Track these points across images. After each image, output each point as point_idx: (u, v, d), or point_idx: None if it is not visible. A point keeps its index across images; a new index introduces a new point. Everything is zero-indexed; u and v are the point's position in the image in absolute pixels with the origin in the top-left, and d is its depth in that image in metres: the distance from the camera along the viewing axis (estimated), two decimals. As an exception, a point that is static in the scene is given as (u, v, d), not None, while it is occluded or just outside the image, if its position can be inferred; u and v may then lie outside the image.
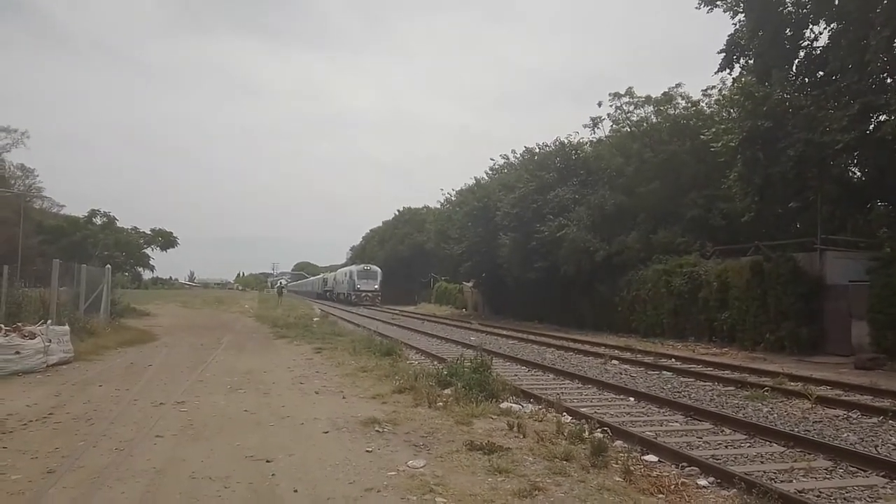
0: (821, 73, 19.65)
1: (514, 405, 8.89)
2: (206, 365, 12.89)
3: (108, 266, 22.36)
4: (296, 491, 5.12)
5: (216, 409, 8.42)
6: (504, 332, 25.49)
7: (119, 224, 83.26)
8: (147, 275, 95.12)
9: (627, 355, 16.98)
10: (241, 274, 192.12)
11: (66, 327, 13.28)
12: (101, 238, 76.10)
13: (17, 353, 11.22)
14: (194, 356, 14.43)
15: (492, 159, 41.74)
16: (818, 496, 5.72)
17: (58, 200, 77.54)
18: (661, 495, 5.35)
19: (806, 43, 20.12)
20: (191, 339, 18.75)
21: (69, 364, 12.41)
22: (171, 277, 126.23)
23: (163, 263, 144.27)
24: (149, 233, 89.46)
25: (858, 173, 20.34)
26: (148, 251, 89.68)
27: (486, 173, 41.10)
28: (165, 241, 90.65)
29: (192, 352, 15.45)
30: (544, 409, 8.76)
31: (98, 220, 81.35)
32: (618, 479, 5.65)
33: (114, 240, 78.63)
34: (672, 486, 5.58)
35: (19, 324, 12.65)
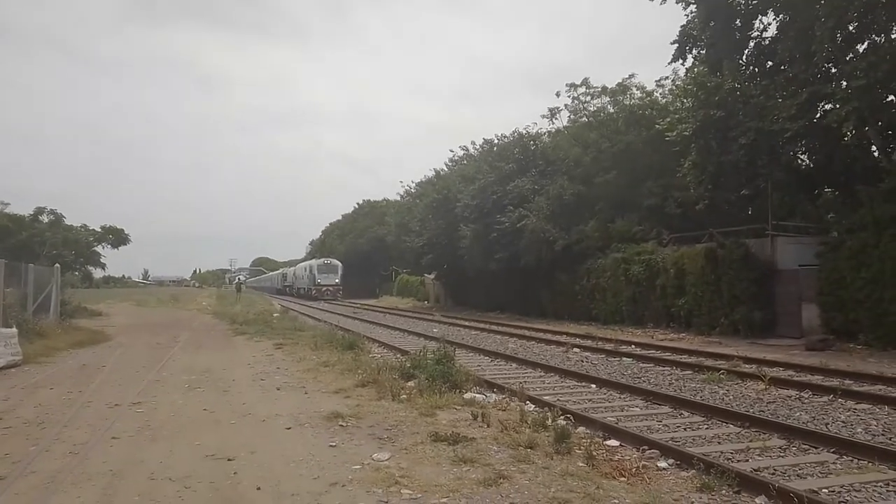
0: (770, 63, 20.18)
1: (477, 395, 8.92)
2: (163, 364, 12.58)
3: (57, 265, 21.56)
4: (259, 489, 5.04)
5: (174, 408, 8.23)
6: (467, 323, 25.60)
7: (67, 222, 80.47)
8: (98, 273, 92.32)
9: (588, 343, 17.24)
10: (198, 271, 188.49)
11: (14, 329, 12.79)
12: (49, 236, 73.41)
13: (-39, 357, 10.75)
14: (150, 355, 14.07)
15: (451, 151, 41.84)
16: (773, 474, 5.90)
17: (1, 198, 74.58)
18: (622, 478, 5.44)
19: (755, 34, 20.64)
20: (146, 339, 18.27)
21: (18, 367, 11.96)
22: (124, 276, 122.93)
23: (115, 262, 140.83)
24: (99, 230, 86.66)
25: (807, 160, 21.01)
26: (98, 249, 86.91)
27: (446, 165, 41.17)
28: (117, 238, 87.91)
29: (147, 351, 15.06)
30: (508, 399, 8.84)
31: (45, 218, 78.40)
32: (581, 464, 5.73)
33: (62, 238, 75.89)
34: (633, 469, 5.68)
35: (-37, 327, 12.13)
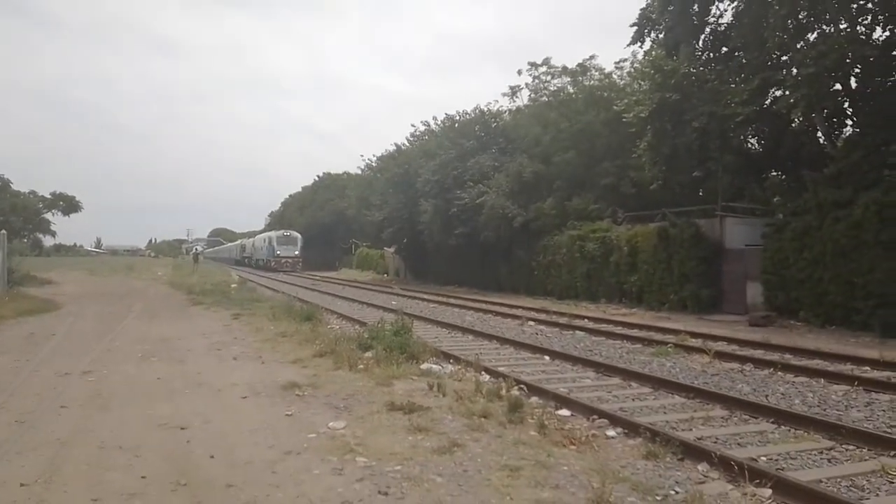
0: (725, 48, 20.56)
1: (434, 366, 9.03)
2: (116, 333, 12.33)
3: (3, 232, 20.76)
4: (212, 457, 5.04)
5: (126, 377, 8.12)
6: (425, 297, 25.72)
7: (14, 187, 77.19)
8: (49, 241, 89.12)
9: (543, 317, 17.53)
10: (154, 241, 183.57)
11: (-45, 297, 12.34)
12: (-6, 202, 70.44)
13: None
14: (102, 325, 13.76)
15: (413, 125, 41.45)
16: (715, 442, 6.17)
17: (-59, 161, 70.96)
18: (572, 447, 5.62)
19: (712, 19, 20.96)
20: (98, 308, 17.82)
21: (-40, 336, 11.58)
22: (75, 244, 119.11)
23: (66, 230, 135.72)
24: (49, 197, 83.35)
25: (756, 145, 21.57)
26: (48, 216, 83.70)
27: (408, 140, 40.83)
28: (68, 205, 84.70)
29: (99, 320, 14.72)
30: (463, 369, 8.97)
31: (-11, 183, 75.09)
32: (533, 433, 5.88)
33: (9, 204, 72.82)
34: (583, 438, 5.86)
35: None
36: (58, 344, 10.95)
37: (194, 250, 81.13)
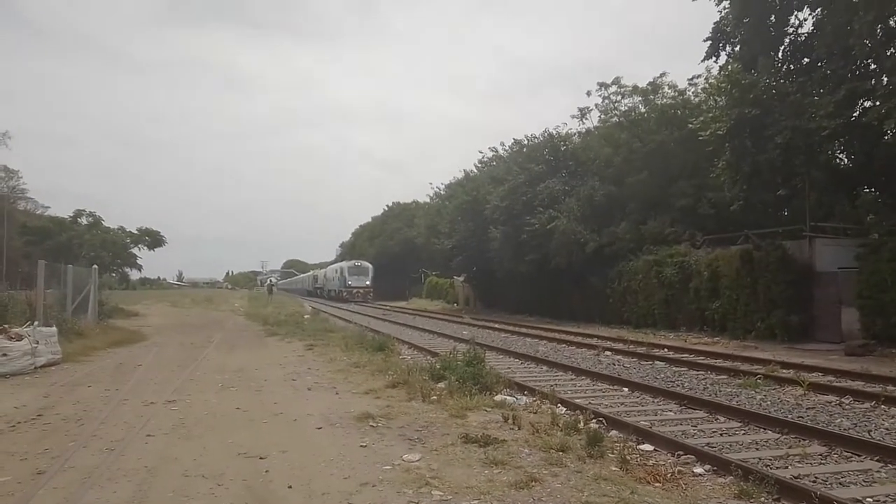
0: (806, 59, 19.75)
1: (508, 397, 8.87)
2: (197, 363, 12.77)
3: (95, 266, 22.11)
4: (290, 487, 5.06)
5: (208, 407, 8.33)
6: (496, 326, 25.51)
7: (105, 224, 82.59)
8: (135, 275, 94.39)
9: (620, 346, 17.02)
10: (231, 273, 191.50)
11: (54, 329, 13.09)
12: (88, 238, 75.45)
13: (4, 355, 11.04)
14: (184, 355, 14.30)
15: (480, 152, 41.51)
16: (814, 481, 5.75)
17: (41, 201, 77.06)
18: (657, 483, 5.35)
19: (791, 29, 20.23)
20: (180, 339, 18.57)
21: (57, 365, 12.25)
22: (159, 277, 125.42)
23: (150, 263, 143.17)
24: (136, 232, 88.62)
25: (845, 160, 20.46)
26: (135, 251, 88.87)
27: (476, 166, 41.05)
28: (153, 240, 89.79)
29: (182, 351, 15.31)
30: (539, 401, 8.76)
31: (84, 220, 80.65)
32: (614, 468, 5.64)
33: (100, 240, 77.85)
34: (669, 475, 5.59)
35: (6, 326, 12.45)
36: (144, 374, 11.42)
37: (268, 282, 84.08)
